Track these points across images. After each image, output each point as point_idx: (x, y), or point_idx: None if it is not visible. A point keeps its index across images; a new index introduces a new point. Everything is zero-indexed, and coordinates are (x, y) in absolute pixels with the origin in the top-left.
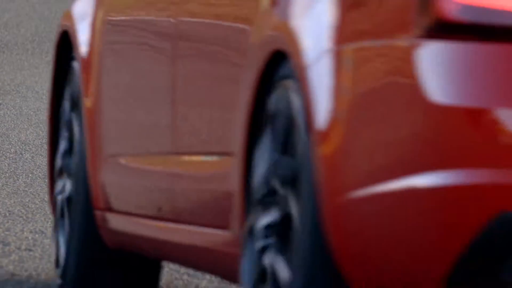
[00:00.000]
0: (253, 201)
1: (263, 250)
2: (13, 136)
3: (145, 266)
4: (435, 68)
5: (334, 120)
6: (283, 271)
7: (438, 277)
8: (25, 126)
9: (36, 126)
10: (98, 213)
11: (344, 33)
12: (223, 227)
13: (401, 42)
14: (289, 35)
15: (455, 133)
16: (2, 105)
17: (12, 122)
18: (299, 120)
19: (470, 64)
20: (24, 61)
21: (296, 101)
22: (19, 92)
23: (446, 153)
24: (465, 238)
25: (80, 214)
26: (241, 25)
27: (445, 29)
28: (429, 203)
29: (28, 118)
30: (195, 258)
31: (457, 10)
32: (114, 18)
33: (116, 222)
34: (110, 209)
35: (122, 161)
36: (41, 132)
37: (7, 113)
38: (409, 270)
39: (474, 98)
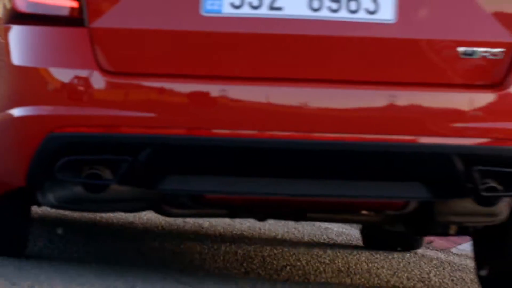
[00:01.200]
0: None
1: None
2: None
3: None
4: (16, 43)
5: None
6: None
7: (23, 179)
8: None
9: None
10: None
11: None
12: None
13: (1, 25)
14: None
15: (24, 84)
16: None
17: None
18: None
19: (34, 40)
20: None
21: None
22: None
23: (22, 96)
24: (32, 150)
25: None
26: None
27: (20, 17)
28: (15, 128)
29: None
30: None
31: (24, 4)
32: None
33: None
34: None
35: None
36: None
37: None
38: (10, 173)
39: (35, 61)
